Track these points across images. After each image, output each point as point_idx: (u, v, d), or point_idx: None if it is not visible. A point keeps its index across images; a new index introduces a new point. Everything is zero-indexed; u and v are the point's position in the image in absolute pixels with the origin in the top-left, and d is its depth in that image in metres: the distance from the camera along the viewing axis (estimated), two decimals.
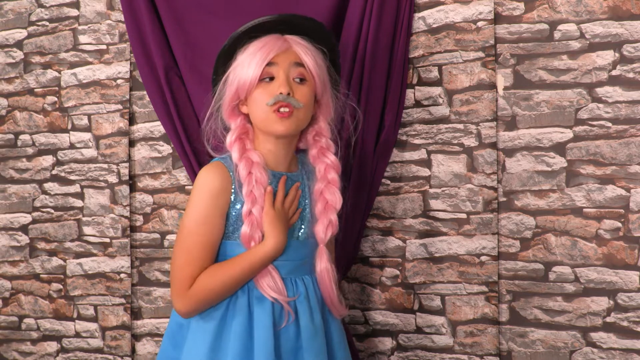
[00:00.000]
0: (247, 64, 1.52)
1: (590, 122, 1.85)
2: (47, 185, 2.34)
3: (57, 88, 2.33)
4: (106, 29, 2.27)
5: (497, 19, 1.92)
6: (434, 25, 1.98)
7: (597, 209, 1.84)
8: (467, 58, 1.95)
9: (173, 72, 2.04)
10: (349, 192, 1.93)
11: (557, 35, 1.88)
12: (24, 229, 2.38)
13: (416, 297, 2.01)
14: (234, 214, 1.52)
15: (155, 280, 2.23)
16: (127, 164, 2.24)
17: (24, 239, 2.38)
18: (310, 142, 1.64)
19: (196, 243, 1.50)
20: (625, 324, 1.82)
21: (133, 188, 2.25)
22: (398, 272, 2.03)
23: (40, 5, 2.35)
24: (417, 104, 2.00)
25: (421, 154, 2.00)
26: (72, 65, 2.31)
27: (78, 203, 2.31)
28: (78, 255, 2.31)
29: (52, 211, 2.34)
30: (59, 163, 2.33)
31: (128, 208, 2.24)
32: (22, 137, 2.38)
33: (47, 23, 2.34)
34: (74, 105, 2.31)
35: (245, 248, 1.51)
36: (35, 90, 2.35)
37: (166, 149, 2.21)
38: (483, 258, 1.94)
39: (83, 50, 2.30)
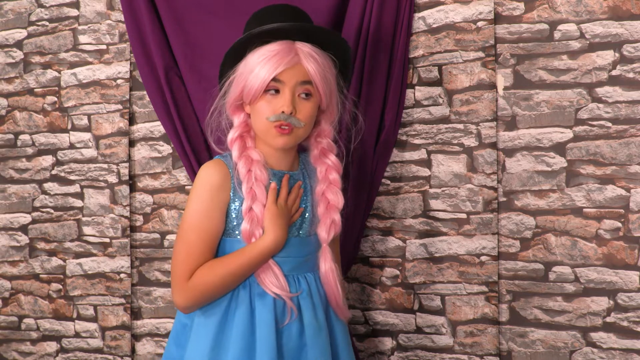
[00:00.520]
0: (255, 71, 1.50)
1: (590, 122, 1.85)
2: (47, 185, 2.34)
3: (57, 88, 2.33)
4: (106, 29, 2.27)
5: (497, 19, 1.92)
6: (434, 25, 1.98)
7: (597, 209, 1.84)
8: (467, 58, 1.95)
9: (173, 72, 2.04)
10: (349, 192, 1.94)
11: (557, 35, 1.88)
12: (23, 229, 2.38)
13: (416, 297, 2.01)
14: (233, 210, 1.53)
15: (155, 280, 2.23)
16: (127, 164, 2.24)
17: (23, 239, 2.38)
18: (312, 143, 1.65)
19: (196, 237, 1.51)
20: (625, 324, 1.82)
21: (133, 188, 2.25)
22: (398, 272, 2.03)
23: (40, 5, 2.35)
24: (417, 104, 2.00)
25: (421, 154, 2.00)
26: (72, 65, 2.31)
27: (78, 203, 2.31)
28: (78, 255, 2.31)
29: (52, 211, 2.34)
30: (58, 163, 2.33)
31: (128, 208, 2.24)
32: (22, 137, 2.38)
33: (47, 23, 2.34)
34: (74, 105, 2.31)
35: (246, 244, 1.51)
36: (35, 90, 2.35)
37: (166, 149, 2.21)
38: (483, 258, 1.94)
39: (83, 50, 2.29)
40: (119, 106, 2.25)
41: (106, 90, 2.26)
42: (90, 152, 2.29)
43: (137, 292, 2.25)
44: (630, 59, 1.81)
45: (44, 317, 2.35)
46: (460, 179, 1.96)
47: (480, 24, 1.93)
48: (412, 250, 2.01)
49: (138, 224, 2.25)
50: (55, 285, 2.33)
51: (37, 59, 2.35)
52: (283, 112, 1.50)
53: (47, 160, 2.34)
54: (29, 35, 2.36)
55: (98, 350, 2.29)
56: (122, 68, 2.25)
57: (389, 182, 2.03)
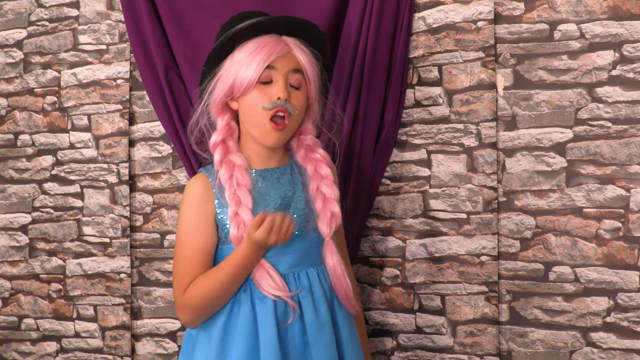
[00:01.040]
0: (246, 64, 1.52)
1: (590, 122, 1.85)
2: (47, 185, 2.34)
3: (57, 88, 2.33)
4: (106, 29, 2.26)
5: (497, 19, 1.92)
6: (434, 25, 1.98)
7: (597, 209, 1.84)
8: (467, 58, 1.95)
9: (173, 72, 2.04)
10: (349, 192, 1.94)
11: (557, 35, 1.88)
12: (23, 229, 2.38)
13: (416, 297, 2.01)
14: (222, 219, 1.54)
15: (155, 280, 2.23)
16: (127, 164, 2.24)
17: (23, 239, 2.38)
18: (295, 144, 1.64)
19: (187, 252, 1.54)
20: (625, 324, 1.82)
21: (133, 188, 2.25)
22: (398, 272, 2.03)
23: (40, 5, 2.35)
24: (417, 104, 2.00)
25: (421, 154, 2.00)
26: (72, 65, 2.31)
27: (78, 203, 2.31)
28: (78, 255, 2.31)
29: (52, 211, 2.34)
30: (58, 163, 2.33)
31: (128, 208, 2.24)
32: (21, 137, 2.38)
33: (47, 23, 2.34)
34: (74, 105, 2.31)
35: None
36: (35, 90, 2.35)
37: (166, 149, 2.21)
38: (483, 258, 1.94)
39: (83, 50, 2.29)
40: (119, 106, 2.25)
41: (106, 90, 2.26)
42: (90, 152, 2.29)
43: (137, 292, 2.25)
44: (630, 59, 1.81)
45: (44, 317, 2.35)
46: (460, 179, 1.96)
47: (480, 24, 1.93)
48: (412, 250, 2.01)
49: (138, 224, 2.25)
50: (55, 285, 2.33)
51: (37, 59, 2.35)
52: (279, 98, 1.50)
53: (47, 160, 2.34)
54: (29, 35, 2.36)
55: (98, 350, 2.29)
56: (122, 68, 2.25)
57: (389, 182, 2.03)
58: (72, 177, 2.31)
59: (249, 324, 1.50)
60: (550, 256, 1.88)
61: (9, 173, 2.39)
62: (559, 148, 1.87)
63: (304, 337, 1.52)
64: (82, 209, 2.30)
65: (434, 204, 1.99)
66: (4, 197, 2.40)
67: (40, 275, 2.35)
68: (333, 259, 1.57)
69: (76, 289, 2.31)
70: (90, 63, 2.29)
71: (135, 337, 2.26)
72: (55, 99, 2.33)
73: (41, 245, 2.35)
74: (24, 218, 2.38)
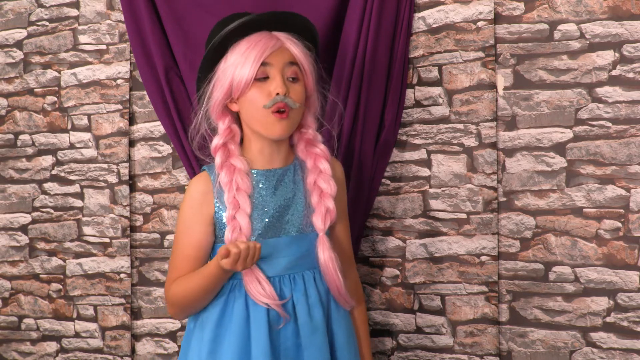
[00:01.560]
0: (241, 64, 1.52)
1: (590, 122, 1.85)
2: (47, 185, 2.34)
3: (57, 88, 2.33)
4: (106, 29, 2.26)
5: (497, 19, 1.92)
6: (434, 25, 1.98)
7: (597, 209, 1.84)
8: (467, 58, 1.95)
9: (173, 72, 2.04)
10: (349, 192, 1.94)
11: (557, 35, 1.88)
12: (23, 229, 2.38)
13: (416, 297, 2.01)
14: (219, 218, 1.55)
15: (155, 280, 2.23)
16: (127, 164, 2.24)
17: (23, 239, 2.38)
18: (296, 138, 1.65)
19: (181, 250, 1.57)
20: (625, 324, 1.82)
21: (133, 188, 2.25)
22: (398, 272, 2.03)
23: (40, 5, 2.35)
24: (417, 104, 2.00)
25: (421, 154, 2.00)
26: (72, 65, 2.31)
27: (78, 203, 2.31)
28: (78, 255, 2.31)
29: (52, 211, 2.34)
30: (58, 163, 2.33)
31: (128, 208, 2.24)
32: (21, 137, 2.38)
33: (47, 23, 2.34)
34: (74, 105, 2.31)
35: None
36: (35, 90, 2.35)
37: (166, 149, 2.21)
38: (483, 258, 1.94)
39: (83, 50, 2.29)
40: (119, 106, 2.25)
41: (106, 90, 2.26)
42: (90, 152, 2.29)
43: (137, 292, 2.25)
44: (630, 59, 1.81)
45: (44, 317, 2.35)
46: (460, 179, 1.96)
47: (480, 24, 1.93)
48: (412, 250, 2.01)
49: (138, 224, 2.25)
50: (55, 285, 2.33)
51: (37, 59, 2.35)
52: (278, 94, 1.50)
53: (47, 160, 2.34)
54: (29, 35, 2.36)
55: (98, 350, 2.29)
56: (122, 68, 2.25)
57: (389, 182, 2.03)
58: (72, 177, 2.31)
59: (242, 323, 1.51)
60: (550, 256, 1.88)
61: (9, 173, 2.39)
62: (559, 148, 1.87)
63: (297, 340, 1.52)
64: (82, 209, 2.30)
65: (434, 204, 1.99)
66: (4, 197, 2.40)
67: (40, 275, 2.35)
68: (325, 255, 1.56)
69: (76, 289, 2.31)
70: (90, 63, 2.29)
71: (135, 337, 2.26)
72: (55, 99, 2.33)
73: (41, 245, 2.35)
74: (24, 218, 2.38)
